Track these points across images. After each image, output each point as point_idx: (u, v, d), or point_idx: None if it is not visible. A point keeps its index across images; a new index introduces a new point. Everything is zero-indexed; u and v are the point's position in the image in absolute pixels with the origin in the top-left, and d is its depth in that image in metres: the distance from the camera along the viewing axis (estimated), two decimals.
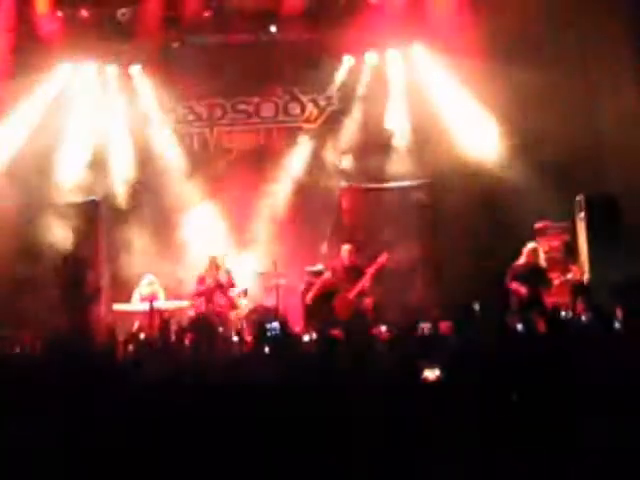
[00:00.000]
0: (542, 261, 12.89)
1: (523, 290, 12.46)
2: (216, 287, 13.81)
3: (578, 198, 13.80)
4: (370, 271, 13.45)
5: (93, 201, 14.82)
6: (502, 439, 3.83)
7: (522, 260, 12.68)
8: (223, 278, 13.85)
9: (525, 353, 5.42)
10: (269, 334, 10.33)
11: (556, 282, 13.24)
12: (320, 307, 13.63)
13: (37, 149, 14.22)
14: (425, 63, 15.06)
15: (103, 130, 14.71)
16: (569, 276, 13.54)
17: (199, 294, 13.83)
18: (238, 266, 14.25)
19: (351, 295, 13.41)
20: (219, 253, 14.05)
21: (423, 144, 14.65)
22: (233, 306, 13.83)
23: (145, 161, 14.82)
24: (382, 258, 13.46)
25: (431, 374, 4.88)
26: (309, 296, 13.63)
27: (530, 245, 12.82)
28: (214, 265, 13.85)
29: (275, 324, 11.18)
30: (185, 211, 14.89)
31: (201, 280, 13.85)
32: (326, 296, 13.67)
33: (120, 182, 14.82)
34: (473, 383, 4.65)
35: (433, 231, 14.88)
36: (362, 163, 14.94)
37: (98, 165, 14.71)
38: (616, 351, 4.81)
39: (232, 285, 13.89)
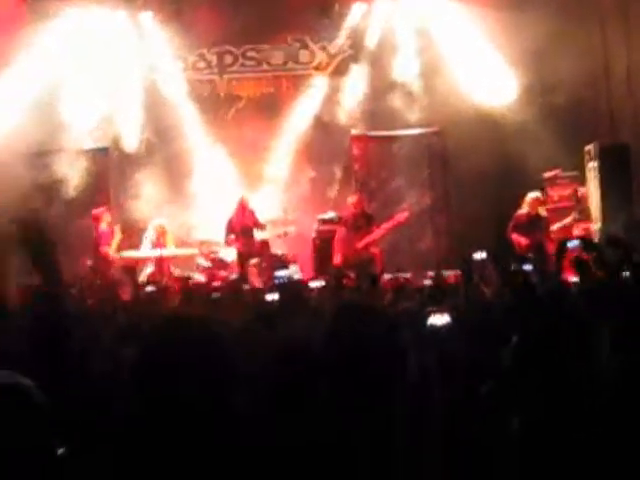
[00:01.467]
0: (543, 211, 12.85)
1: (523, 241, 12.42)
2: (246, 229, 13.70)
3: (588, 147, 13.66)
4: (385, 226, 13.27)
5: (104, 148, 14.85)
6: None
7: (524, 210, 12.60)
8: (249, 221, 13.70)
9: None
10: (277, 281, 10.17)
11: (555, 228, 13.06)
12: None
13: (48, 96, 14.18)
14: (436, 9, 14.96)
15: (113, 77, 14.69)
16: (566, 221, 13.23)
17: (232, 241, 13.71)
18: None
19: (359, 245, 13.19)
20: (244, 194, 13.90)
21: (434, 91, 14.45)
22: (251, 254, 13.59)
23: (155, 108, 14.77)
24: (401, 216, 13.31)
25: (439, 320, 4.64)
26: (336, 259, 13.18)
27: (531, 194, 12.71)
28: (242, 207, 13.69)
29: (284, 272, 11.23)
30: (195, 157, 14.85)
31: (232, 224, 13.71)
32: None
33: (131, 129, 14.84)
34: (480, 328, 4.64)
35: (443, 179, 14.87)
36: (372, 110, 14.77)
37: (109, 112, 14.70)
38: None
39: (260, 226, 13.73)
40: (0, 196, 12.99)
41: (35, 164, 13.81)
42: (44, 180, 13.84)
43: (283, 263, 13.54)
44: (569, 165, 13.84)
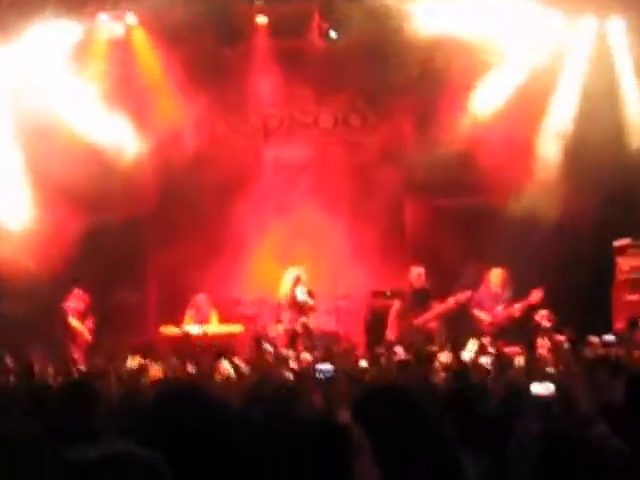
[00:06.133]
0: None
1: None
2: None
3: None
4: (443, 307, 12.53)
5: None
6: None
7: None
8: (302, 298, 12.83)
9: None
10: (319, 375, 8.89)
11: None
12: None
13: None
14: None
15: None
16: None
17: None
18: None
19: (417, 321, 12.54)
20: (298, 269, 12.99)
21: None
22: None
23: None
24: (462, 296, 12.49)
25: (544, 389, 4.73)
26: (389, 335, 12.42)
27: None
28: (296, 282, 12.90)
29: (327, 366, 9.40)
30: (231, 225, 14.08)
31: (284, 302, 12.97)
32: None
33: None
34: None
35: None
36: (433, 174, 13.50)
37: None
38: None
39: (312, 309, 12.89)
40: None
41: None
42: None
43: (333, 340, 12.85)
44: None
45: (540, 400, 4.75)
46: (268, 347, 11.62)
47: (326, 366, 9.14)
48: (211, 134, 14.16)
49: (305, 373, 8.92)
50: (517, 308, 12.37)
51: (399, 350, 10.58)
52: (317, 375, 8.69)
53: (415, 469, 2.80)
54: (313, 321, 12.92)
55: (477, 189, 13.49)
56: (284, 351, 11.65)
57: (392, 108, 14.22)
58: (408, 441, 2.82)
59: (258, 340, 11.94)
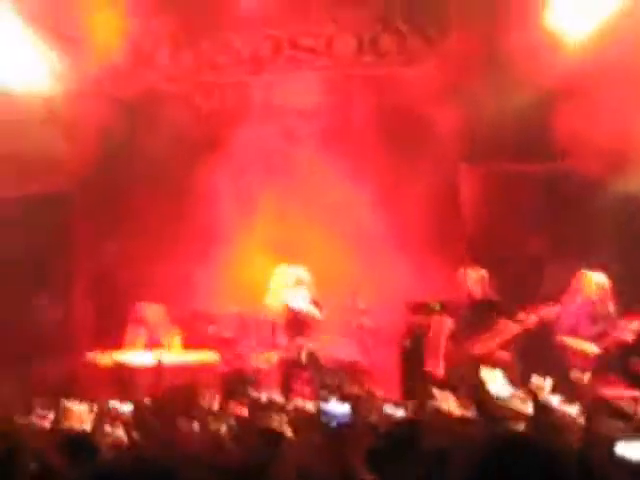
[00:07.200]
0: None
1: None
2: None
3: None
4: (522, 325, 10.28)
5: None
6: None
7: None
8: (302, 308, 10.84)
9: None
10: (326, 420, 7.83)
11: None
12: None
13: None
14: None
15: None
16: None
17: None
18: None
19: (477, 349, 10.29)
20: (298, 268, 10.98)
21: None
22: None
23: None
24: (549, 311, 10.34)
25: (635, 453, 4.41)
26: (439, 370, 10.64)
27: None
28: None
29: (339, 407, 8.29)
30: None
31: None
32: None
33: None
34: None
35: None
36: (504, 129, 11.35)
37: None
38: None
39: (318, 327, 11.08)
40: None
41: None
42: None
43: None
44: None
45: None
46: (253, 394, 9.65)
47: (339, 407, 7.98)
48: (173, 67, 12.17)
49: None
50: (632, 329, 10.18)
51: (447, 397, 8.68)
52: (324, 420, 7.82)
53: None
54: (322, 346, 10.84)
55: (568, 152, 11.13)
56: (277, 397, 9.45)
57: (444, 25, 11.93)
58: None
59: (241, 380, 10.15)
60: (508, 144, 11.62)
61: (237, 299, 11.34)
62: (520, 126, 11.25)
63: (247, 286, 11.39)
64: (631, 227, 11.10)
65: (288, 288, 10.70)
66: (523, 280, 11.24)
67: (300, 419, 7.89)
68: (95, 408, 8.26)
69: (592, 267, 10.60)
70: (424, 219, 11.57)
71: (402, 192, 11.69)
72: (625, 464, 4.13)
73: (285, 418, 7.71)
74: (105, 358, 10.67)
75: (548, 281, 11.18)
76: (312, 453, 6.01)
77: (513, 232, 11.65)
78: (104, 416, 8.12)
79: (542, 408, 7.93)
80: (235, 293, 11.47)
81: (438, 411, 8.14)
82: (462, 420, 7.77)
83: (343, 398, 8.77)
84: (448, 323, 10.65)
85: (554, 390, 8.53)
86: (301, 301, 10.70)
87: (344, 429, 7.32)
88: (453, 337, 10.55)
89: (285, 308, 10.69)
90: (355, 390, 9.58)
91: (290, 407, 8.77)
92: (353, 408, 8.01)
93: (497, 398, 8.42)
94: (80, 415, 8.03)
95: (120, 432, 7.67)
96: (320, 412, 8.05)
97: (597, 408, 7.67)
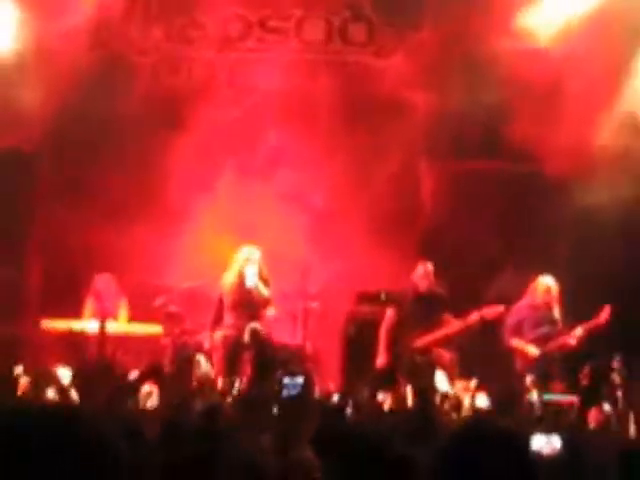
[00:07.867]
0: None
1: None
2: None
3: None
4: (463, 323, 10.26)
5: None
6: None
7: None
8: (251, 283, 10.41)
9: None
10: (286, 392, 8.34)
11: None
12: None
13: None
14: None
15: None
16: None
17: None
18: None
19: (420, 341, 10.26)
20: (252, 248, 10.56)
21: None
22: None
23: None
24: (491, 311, 10.26)
25: (546, 447, 4.64)
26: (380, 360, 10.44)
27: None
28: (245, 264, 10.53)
29: (299, 379, 8.77)
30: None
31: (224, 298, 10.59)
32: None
33: None
34: None
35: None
36: (469, 124, 11.37)
37: None
38: None
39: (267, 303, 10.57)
40: None
41: None
42: None
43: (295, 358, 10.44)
44: None
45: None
46: (202, 362, 9.68)
47: (296, 379, 8.46)
48: (140, 39, 11.73)
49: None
50: (576, 335, 10.13)
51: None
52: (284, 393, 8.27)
53: None
54: (267, 328, 10.36)
55: (529, 152, 10.84)
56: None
57: (416, 19, 11.60)
58: None
59: (185, 354, 9.98)
60: (472, 142, 11.46)
61: (192, 276, 10.93)
62: (485, 126, 11.12)
63: (203, 264, 11.00)
64: (588, 234, 10.83)
65: (240, 265, 10.37)
66: (474, 280, 11.02)
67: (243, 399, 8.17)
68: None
69: (545, 272, 10.51)
70: (382, 209, 11.38)
71: (362, 180, 11.46)
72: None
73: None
74: (53, 324, 10.43)
75: (501, 283, 11.08)
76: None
77: (469, 231, 11.37)
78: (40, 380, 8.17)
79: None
80: (190, 270, 11.09)
81: (374, 400, 8.60)
82: (396, 411, 8.14)
83: (292, 373, 8.96)
84: (391, 314, 10.51)
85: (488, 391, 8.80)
86: (249, 275, 10.39)
87: (297, 401, 7.81)
88: (396, 329, 10.44)
89: (235, 285, 10.36)
90: (302, 368, 9.64)
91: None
92: (305, 382, 8.29)
93: (436, 391, 8.83)
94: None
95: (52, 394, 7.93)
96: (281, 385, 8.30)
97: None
